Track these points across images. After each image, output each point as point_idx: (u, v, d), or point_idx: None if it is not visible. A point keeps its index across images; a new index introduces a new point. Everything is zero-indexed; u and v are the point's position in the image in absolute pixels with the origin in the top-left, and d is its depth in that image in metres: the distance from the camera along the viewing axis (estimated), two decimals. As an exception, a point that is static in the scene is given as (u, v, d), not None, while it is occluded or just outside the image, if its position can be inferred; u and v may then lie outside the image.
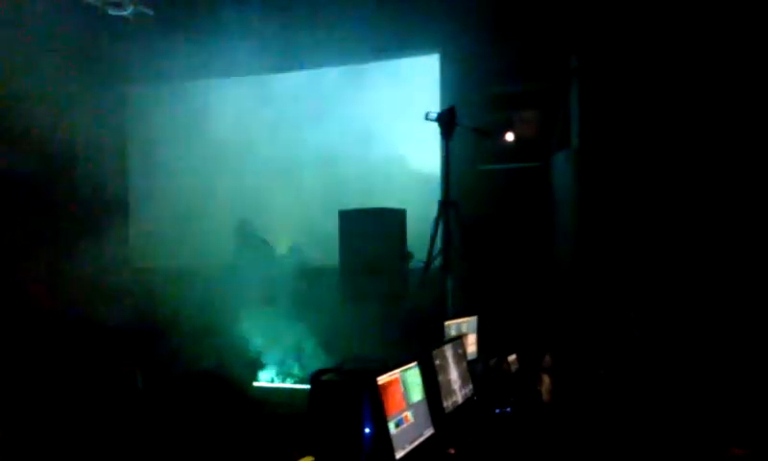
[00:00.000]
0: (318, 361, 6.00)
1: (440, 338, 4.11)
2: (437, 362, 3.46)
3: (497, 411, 3.73)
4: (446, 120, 5.53)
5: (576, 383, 2.80)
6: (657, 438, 3.02)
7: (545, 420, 2.79)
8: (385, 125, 7.45)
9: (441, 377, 3.45)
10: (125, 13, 6.68)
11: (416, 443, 2.85)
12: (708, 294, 5.56)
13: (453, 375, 3.66)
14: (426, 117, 5.59)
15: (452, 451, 2.94)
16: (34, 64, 5.91)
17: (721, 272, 5.56)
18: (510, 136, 7.25)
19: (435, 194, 6.26)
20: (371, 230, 6.49)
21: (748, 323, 5.17)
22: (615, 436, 2.66)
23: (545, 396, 2.88)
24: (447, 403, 3.46)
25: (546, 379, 2.87)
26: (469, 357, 4.23)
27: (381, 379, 2.74)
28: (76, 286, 6.28)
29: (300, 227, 7.75)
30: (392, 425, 2.70)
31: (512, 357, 4.62)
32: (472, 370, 4.04)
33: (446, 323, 4.42)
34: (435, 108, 6.19)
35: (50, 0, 6.15)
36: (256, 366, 6.73)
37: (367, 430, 2.74)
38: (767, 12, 5.69)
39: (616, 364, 3.17)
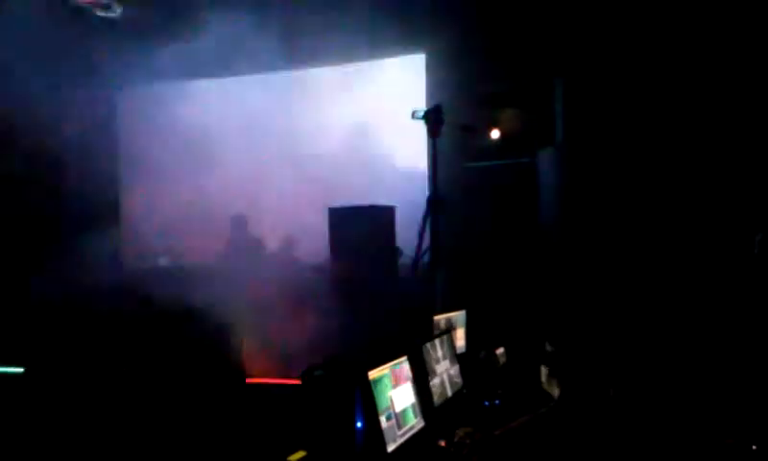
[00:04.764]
0: (309, 357, 6.03)
1: (429, 332, 4.17)
2: (426, 356, 3.53)
3: (486, 403, 3.80)
4: (433, 118, 5.58)
5: (570, 377, 2.85)
6: (650, 429, 3.09)
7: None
8: (373, 123, 7.50)
9: (430, 371, 3.52)
10: (113, 16, 6.66)
11: (407, 436, 2.93)
12: (691, 287, 5.65)
13: (442, 368, 3.73)
14: (413, 115, 5.64)
15: (442, 444, 3.00)
16: (22, 67, 5.90)
17: (705, 266, 5.64)
18: (495, 134, 7.32)
19: (423, 191, 6.32)
20: (360, 227, 6.53)
21: (733, 315, 5.25)
22: (609, 428, 2.72)
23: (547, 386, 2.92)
24: (437, 396, 3.52)
25: (545, 371, 2.93)
26: (458, 351, 4.30)
27: (372, 374, 2.80)
28: (68, 287, 6.30)
29: (290, 224, 7.79)
30: (383, 419, 2.76)
31: (500, 350, 4.69)
32: (461, 363, 4.11)
33: (435, 317, 4.48)
34: (421, 106, 6.25)
35: (38, 3, 6.15)
36: (248, 361, 6.75)
37: (358, 424, 2.79)
38: (747, 10, 5.78)
39: (604, 358, 3.24)
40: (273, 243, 7.95)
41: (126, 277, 7.39)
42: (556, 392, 2.91)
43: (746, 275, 5.15)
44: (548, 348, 2.93)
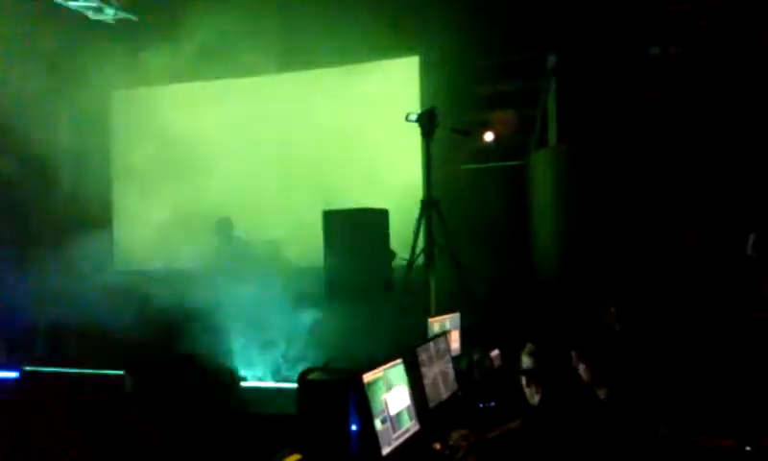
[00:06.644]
0: (304, 360, 6.05)
1: (423, 335, 4.18)
2: (421, 359, 3.53)
3: (481, 406, 3.80)
4: (427, 121, 5.60)
5: (556, 380, 2.84)
6: (640, 429, 3.10)
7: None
8: (367, 125, 7.51)
9: (425, 374, 3.52)
10: (107, 18, 6.65)
11: (401, 439, 2.92)
12: (686, 288, 5.67)
13: (437, 371, 3.72)
14: (407, 118, 5.65)
15: (438, 447, 3.00)
16: (17, 69, 5.91)
17: (699, 266, 5.66)
18: (489, 136, 7.34)
19: (417, 194, 6.33)
20: (354, 230, 6.53)
21: (728, 316, 5.27)
22: (598, 430, 2.72)
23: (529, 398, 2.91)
24: (432, 399, 3.52)
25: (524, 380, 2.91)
26: (453, 353, 4.30)
27: (367, 377, 2.80)
28: (60, 289, 6.29)
29: (284, 227, 7.78)
30: (378, 422, 2.76)
31: (494, 352, 4.70)
32: (456, 366, 4.11)
33: (430, 320, 4.48)
34: (415, 109, 6.26)
35: (32, 5, 6.14)
36: (242, 366, 6.76)
37: (353, 427, 2.79)
38: (745, 11, 5.79)
39: (598, 359, 3.23)
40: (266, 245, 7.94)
41: (120, 279, 7.37)
42: (536, 399, 2.91)
43: (740, 275, 5.17)
44: (525, 359, 2.92)
